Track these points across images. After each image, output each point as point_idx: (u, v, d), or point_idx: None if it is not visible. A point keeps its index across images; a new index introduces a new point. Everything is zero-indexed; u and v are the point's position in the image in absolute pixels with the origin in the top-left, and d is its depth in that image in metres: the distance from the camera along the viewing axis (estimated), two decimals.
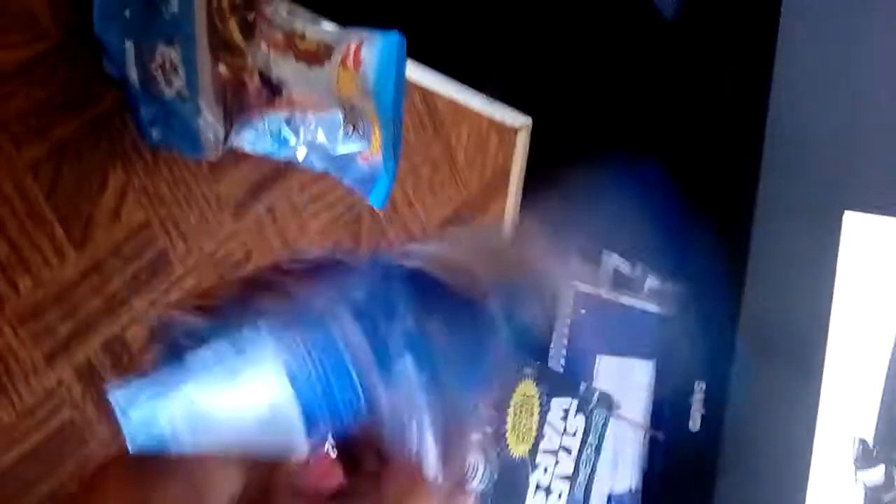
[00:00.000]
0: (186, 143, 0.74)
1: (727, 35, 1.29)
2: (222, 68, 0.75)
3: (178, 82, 0.74)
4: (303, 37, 0.81)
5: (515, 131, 1.03)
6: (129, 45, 0.73)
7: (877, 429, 1.21)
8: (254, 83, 0.75)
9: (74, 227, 0.72)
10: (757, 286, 1.23)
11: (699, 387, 1.24)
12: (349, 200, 0.89)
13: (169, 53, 0.74)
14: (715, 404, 1.23)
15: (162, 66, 0.73)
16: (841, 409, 1.21)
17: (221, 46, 0.75)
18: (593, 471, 1.09)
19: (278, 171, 0.85)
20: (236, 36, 0.76)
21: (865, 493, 1.21)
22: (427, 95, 0.95)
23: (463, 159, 0.98)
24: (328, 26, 0.82)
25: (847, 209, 1.24)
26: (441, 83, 0.96)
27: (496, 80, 1.07)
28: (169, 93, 0.73)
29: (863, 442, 1.21)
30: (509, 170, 1.02)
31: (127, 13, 0.73)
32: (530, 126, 1.03)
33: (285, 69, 0.78)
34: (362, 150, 0.80)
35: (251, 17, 0.77)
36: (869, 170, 1.25)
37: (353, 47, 0.81)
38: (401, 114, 0.83)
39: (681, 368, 1.25)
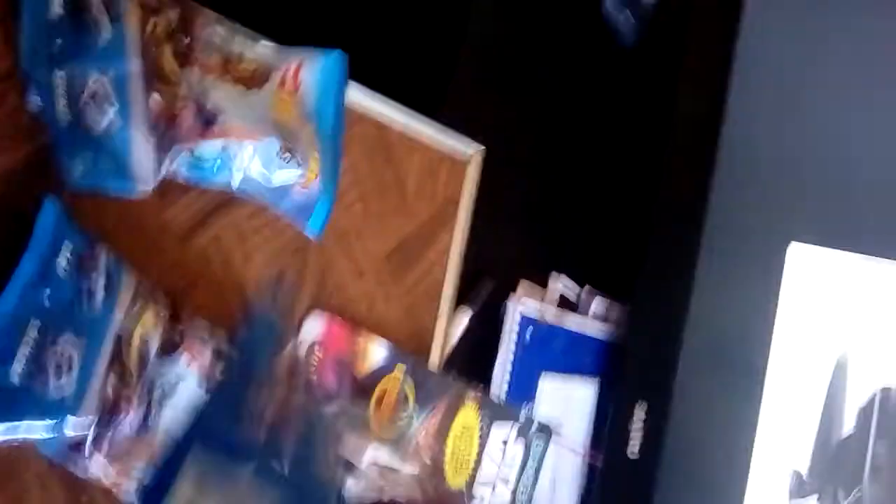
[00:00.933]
0: (117, 178, 0.73)
1: (683, 63, 1.29)
2: (156, 97, 0.73)
3: (110, 113, 0.72)
4: (240, 59, 0.79)
5: (467, 160, 1.03)
6: (59, 76, 0.72)
7: (812, 460, 1.22)
8: (188, 112, 0.74)
9: (16, 256, 0.72)
10: (700, 311, 1.24)
11: (639, 411, 1.24)
12: (297, 229, 0.89)
13: (101, 83, 0.72)
14: (655, 430, 1.23)
15: (93, 97, 0.72)
16: (778, 439, 1.22)
17: (155, 75, 0.74)
18: (530, 500, 1.09)
19: (228, 199, 0.85)
20: (170, 64, 0.75)
21: None
22: (379, 123, 0.95)
23: (413, 188, 0.98)
24: (267, 46, 0.81)
25: (793, 240, 1.25)
26: (393, 111, 0.95)
27: (449, 107, 1.07)
28: (100, 124, 0.72)
29: (797, 474, 1.22)
30: (458, 199, 1.02)
31: (58, 41, 0.72)
32: (482, 154, 1.04)
33: (221, 95, 0.77)
34: (299, 178, 0.80)
35: (186, 41, 0.76)
36: (817, 202, 1.25)
37: (292, 68, 0.80)
38: (341, 136, 0.83)
39: (622, 392, 1.26)
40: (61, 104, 0.71)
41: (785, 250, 1.25)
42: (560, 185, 1.29)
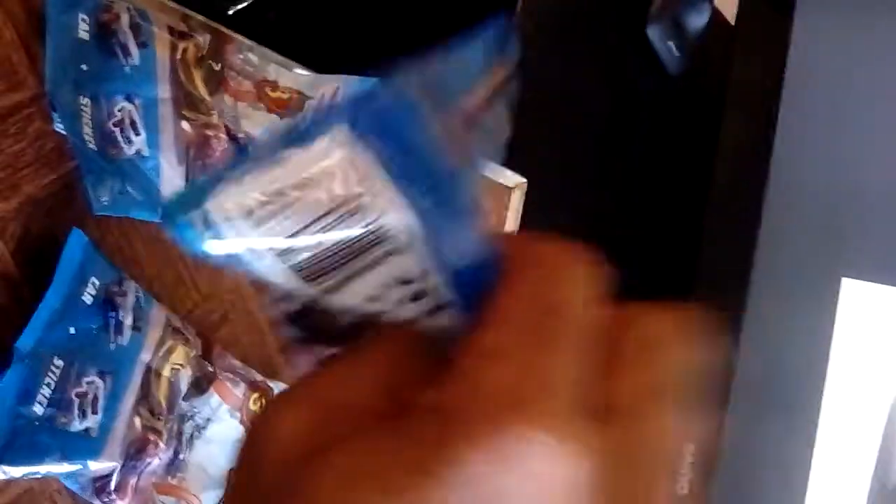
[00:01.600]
0: (144, 206, 0.71)
1: (732, 93, 1.27)
2: (185, 125, 0.71)
3: (139, 141, 0.70)
4: (275, 85, 0.77)
5: (510, 190, 1.00)
6: (84, 102, 0.69)
7: (868, 502, 1.19)
8: (220, 140, 0.71)
9: (42, 287, 0.70)
10: (752, 350, 1.21)
11: (689, 449, 1.21)
12: None
13: (129, 110, 0.70)
14: (705, 469, 1.20)
15: (120, 124, 0.70)
16: (832, 480, 1.19)
17: (185, 102, 0.72)
18: None
19: None
20: (201, 90, 0.72)
21: None
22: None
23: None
24: (303, 73, 0.79)
25: (845, 276, 1.22)
26: None
27: None
28: (128, 152, 0.70)
29: None
30: (503, 229, 1.00)
31: (84, 66, 0.70)
32: (525, 186, 1.01)
33: (254, 122, 0.75)
34: None
35: (218, 67, 0.74)
36: (869, 237, 1.22)
37: (328, 95, 0.78)
38: None
39: None
40: (87, 130, 0.69)
41: (837, 287, 1.22)
42: (604, 219, 1.27)
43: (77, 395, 0.68)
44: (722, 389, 1.19)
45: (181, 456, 0.74)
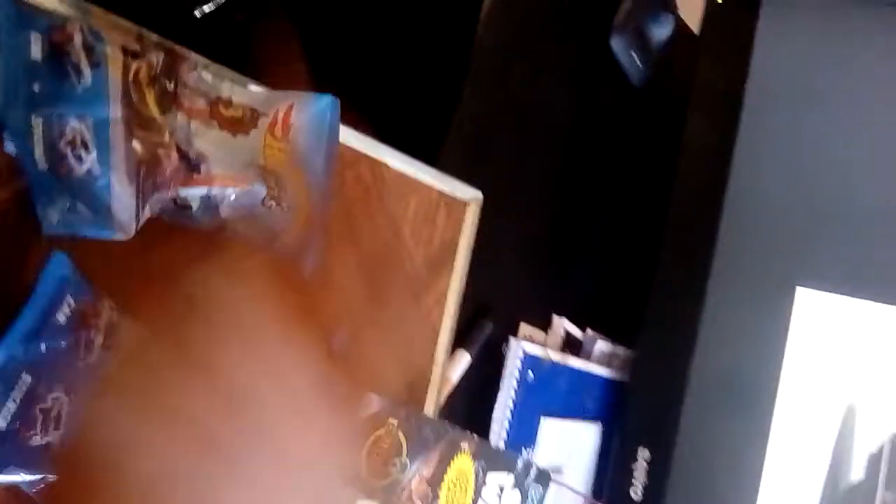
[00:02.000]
0: (96, 225, 0.71)
1: (693, 103, 1.29)
2: (136, 144, 0.72)
3: (90, 160, 0.71)
4: (228, 103, 0.77)
5: (465, 205, 1.02)
6: (36, 122, 0.70)
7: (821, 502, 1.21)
8: (171, 159, 0.73)
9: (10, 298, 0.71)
10: (705, 356, 1.23)
11: (643, 454, 1.23)
12: None
13: (80, 129, 0.71)
14: (658, 474, 1.22)
15: (72, 143, 0.71)
16: (784, 486, 1.21)
17: (137, 121, 0.72)
18: None
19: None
20: (153, 110, 0.73)
21: None
22: (375, 166, 0.94)
23: (409, 230, 0.97)
24: (256, 89, 0.79)
25: (800, 285, 1.24)
26: (390, 154, 0.95)
27: (450, 146, 1.07)
28: (79, 171, 0.71)
29: None
30: (457, 244, 1.01)
31: (36, 87, 0.71)
32: (480, 200, 1.03)
33: (207, 140, 0.75)
34: (285, 225, 0.78)
35: (171, 85, 0.75)
36: (823, 247, 1.24)
37: (281, 112, 0.78)
38: (329, 181, 0.80)
39: (626, 434, 1.24)
40: (37, 151, 0.70)
41: (792, 295, 1.24)
42: (562, 226, 1.29)
43: (41, 411, 0.70)
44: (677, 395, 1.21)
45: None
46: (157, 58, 0.74)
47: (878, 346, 1.23)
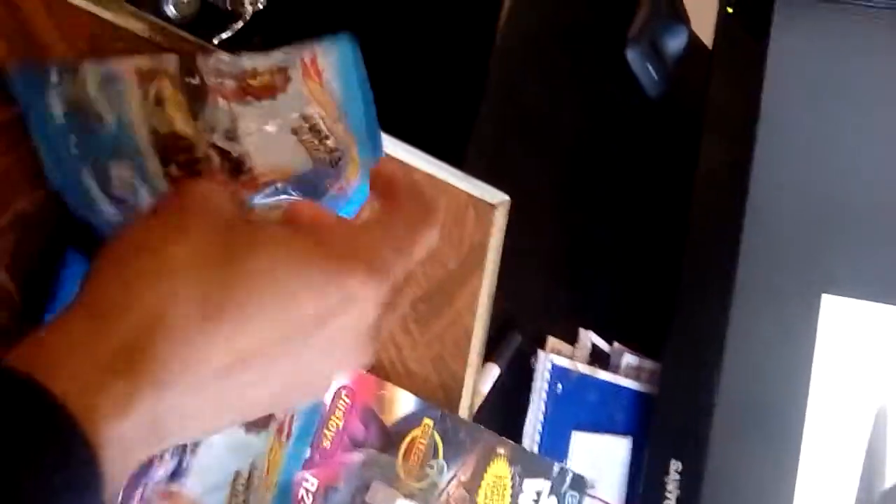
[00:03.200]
0: None
1: (710, 115, 1.29)
2: (173, 169, 0.71)
3: (143, 194, 0.71)
4: (254, 73, 0.76)
5: (493, 207, 1.02)
6: (88, 179, 0.70)
7: None
8: (212, 165, 0.72)
9: (36, 302, 0.71)
10: (734, 365, 1.22)
11: (675, 466, 1.22)
12: None
13: (121, 172, 0.71)
14: (691, 485, 1.21)
15: (122, 187, 0.71)
16: (818, 492, 1.20)
17: (169, 146, 0.72)
18: None
19: None
20: (182, 127, 0.72)
21: None
22: (404, 169, 0.94)
23: (440, 233, 0.97)
24: (273, 52, 0.78)
25: (825, 292, 1.23)
26: (417, 157, 0.95)
27: (471, 158, 1.07)
28: (139, 204, 0.71)
29: None
30: (486, 246, 1.01)
31: (73, 146, 0.71)
32: (508, 203, 1.02)
33: (250, 117, 0.74)
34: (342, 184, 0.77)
35: (196, 81, 0.74)
36: (848, 254, 1.24)
37: (307, 60, 0.77)
38: (373, 118, 0.78)
39: (657, 447, 1.23)
40: (103, 203, 0.70)
41: (818, 303, 1.23)
42: (586, 239, 1.29)
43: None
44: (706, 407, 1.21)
45: (185, 462, 0.76)
46: (171, 65, 0.73)
47: None
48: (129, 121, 0.70)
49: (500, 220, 1.02)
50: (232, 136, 0.72)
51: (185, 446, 0.76)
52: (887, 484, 1.20)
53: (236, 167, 0.72)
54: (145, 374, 0.47)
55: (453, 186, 0.98)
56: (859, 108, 1.27)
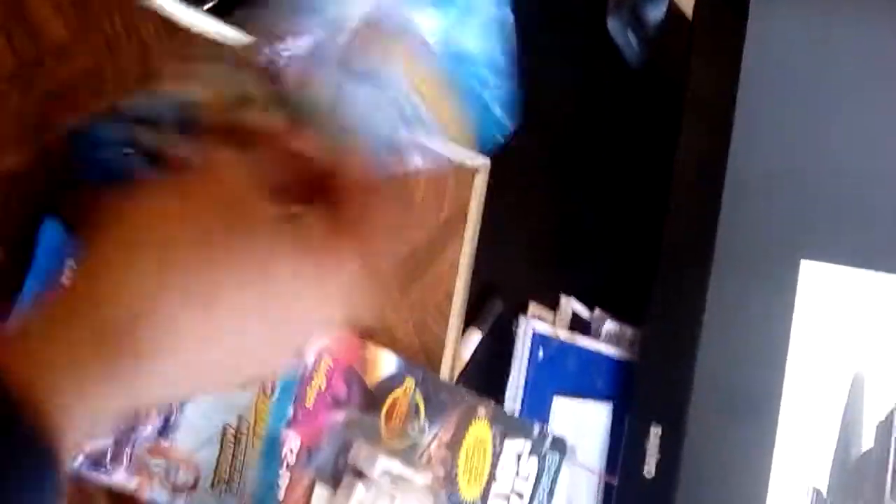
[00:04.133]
0: None
1: (691, 85, 1.29)
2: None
3: None
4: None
5: (473, 172, 1.02)
6: None
7: (830, 478, 1.21)
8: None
9: (19, 253, 0.72)
10: (713, 331, 1.23)
11: (655, 431, 1.23)
12: None
13: None
14: (670, 450, 1.22)
15: None
16: (796, 457, 1.21)
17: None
18: None
19: None
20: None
21: None
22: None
23: (420, 199, 0.98)
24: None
25: (804, 258, 1.24)
26: None
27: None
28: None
29: (817, 492, 1.21)
30: (467, 211, 1.02)
31: None
32: (488, 167, 1.03)
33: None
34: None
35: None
36: (827, 220, 1.25)
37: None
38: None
39: (637, 412, 1.25)
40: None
41: (797, 269, 1.24)
42: (568, 206, 1.29)
43: None
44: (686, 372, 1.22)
45: (172, 419, 0.77)
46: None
47: (884, 316, 1.24)
48: None
49: (480, 184, 1.02)
50: None
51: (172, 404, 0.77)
52: (864, 447, 1.21)
53: None
54: (123, 357, 0.47)
55: (433, 151, 0.99)
56: (838, 77, 1.28)
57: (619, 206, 1.34)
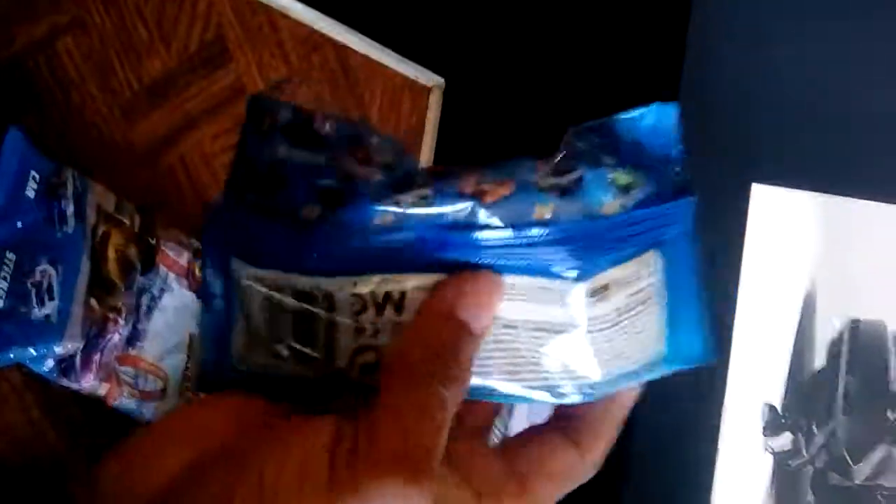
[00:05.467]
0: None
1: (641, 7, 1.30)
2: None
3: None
4: None
5: (429, 90, 1.03)
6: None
7: (785, 394, 1.23)
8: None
9: None
10: None
11: None
12: None
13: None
14: None
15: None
16: (750, 375, 1.23)
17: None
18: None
19: (190, 121, 0.85)
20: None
21: (774, 461, 1.23)
22: (340, 51, 0.95)
23: (376, 116, 0.98)
24: None
25: (755, 181, 1.25)
26: (355, 39, 0.96)
27: (409, 38, 1.07)
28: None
29: (771, 408, 1.22)
30: (423, 129, 1.02)
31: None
32: (443, 86, 1.04)
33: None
34: None
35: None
36: (778, 144, 1.26)
37: None
38: None
39: None
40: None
41: (748, 192, 1.25)
42: (526, 124, 1.29)
43: (32, 285, 0.70)
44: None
45: (140, 327, 0.77)
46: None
47: (833, 237, 1.25)
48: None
49: (435, 102, 1.03)
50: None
51: (138, 312, 0.77)
52: (816, 366, 1.23)
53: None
54: None
55: (389, 69, 0.99)
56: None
57: (572, 121, 1.34)
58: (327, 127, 0.43)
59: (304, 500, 0.37)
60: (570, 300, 0.45)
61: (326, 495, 0.37)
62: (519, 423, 1.14)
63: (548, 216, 0.46)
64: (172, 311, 0.79)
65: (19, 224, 0.72)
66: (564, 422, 0.51)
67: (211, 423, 0.41)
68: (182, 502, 0.38)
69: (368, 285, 0.41)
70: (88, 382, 0.75)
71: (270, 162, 0.42)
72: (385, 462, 0.38)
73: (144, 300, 0.78)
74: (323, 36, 0.92)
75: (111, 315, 0.76)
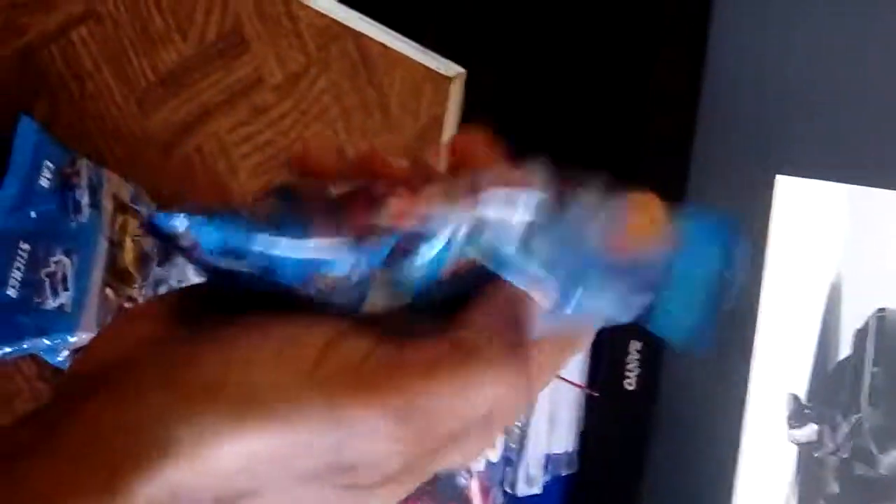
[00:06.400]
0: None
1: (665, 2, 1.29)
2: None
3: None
4: None
5: (449, 80, 1.02)
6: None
7: (810, 385, 1.22)
8: None
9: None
10: None
11: (635, 346, 1.24)
12: (280, 143, 0.88)
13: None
14: (650, 364, 1.23)
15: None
16: (774, 366, 1.22)
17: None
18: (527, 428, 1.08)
19: (207, 112, 0.85)
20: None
21: (798, 451, 1.23)
22: (360, 41, 0.95)
23: (396, 106, 0.98)
24: None
25: (779, 173, 1.25)
26: (374, 29, 0.95)
27: (432, 29, 1.07)
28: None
29: (795, 399, 1.22)
30: (443, 119, 1.02)
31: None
32: (464, 76, 1.03)
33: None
34: None
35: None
36: (801, 135, 1.26)
37: None
38: None
39: (617, 327, 1.25)
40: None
41: (773, 184, 1.25)
42: (544, 115, 1.29)
43: (47, 275, 0.70)
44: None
45: None
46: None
47: (858, 228, 1.24)
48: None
49: (456, 92, 1.03)
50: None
51: None
52: (841, 354, 1.22)
53: None
54: None
55: (409, 59, 0.99)
56: None
57: (594, 120, 1.34)
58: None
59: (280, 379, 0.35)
60: None
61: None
62: (538, 419, 1.14)
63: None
64: None
65: (33, 214, 0.71)
66: None
67: (192, 308, 0.40)
68: (144, 363, 0.36)
69: None
70: None
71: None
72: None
73: (161, 291, 0.78)
74: (342, 26, 0.92)
75: (127, 305, 0.76)
